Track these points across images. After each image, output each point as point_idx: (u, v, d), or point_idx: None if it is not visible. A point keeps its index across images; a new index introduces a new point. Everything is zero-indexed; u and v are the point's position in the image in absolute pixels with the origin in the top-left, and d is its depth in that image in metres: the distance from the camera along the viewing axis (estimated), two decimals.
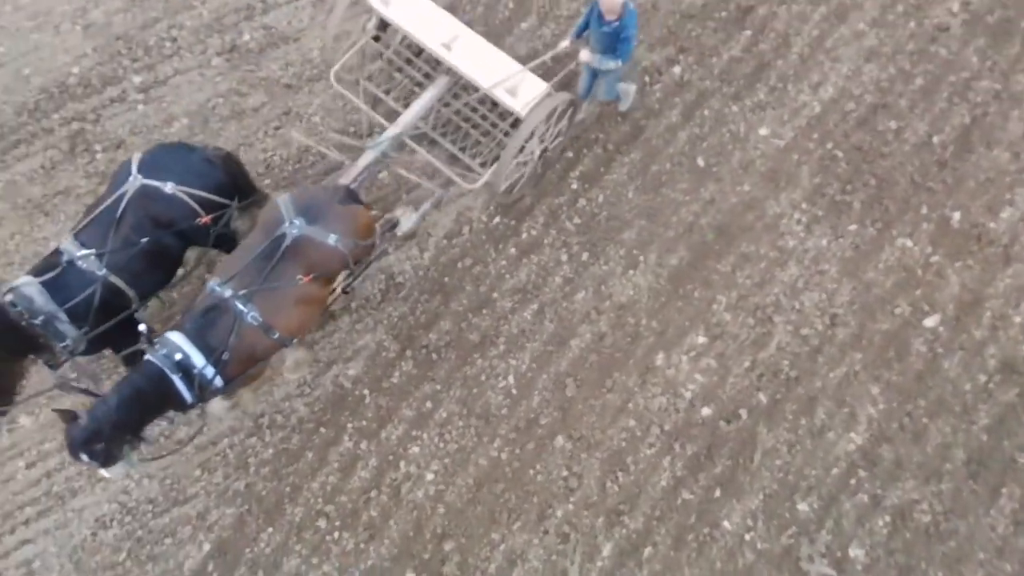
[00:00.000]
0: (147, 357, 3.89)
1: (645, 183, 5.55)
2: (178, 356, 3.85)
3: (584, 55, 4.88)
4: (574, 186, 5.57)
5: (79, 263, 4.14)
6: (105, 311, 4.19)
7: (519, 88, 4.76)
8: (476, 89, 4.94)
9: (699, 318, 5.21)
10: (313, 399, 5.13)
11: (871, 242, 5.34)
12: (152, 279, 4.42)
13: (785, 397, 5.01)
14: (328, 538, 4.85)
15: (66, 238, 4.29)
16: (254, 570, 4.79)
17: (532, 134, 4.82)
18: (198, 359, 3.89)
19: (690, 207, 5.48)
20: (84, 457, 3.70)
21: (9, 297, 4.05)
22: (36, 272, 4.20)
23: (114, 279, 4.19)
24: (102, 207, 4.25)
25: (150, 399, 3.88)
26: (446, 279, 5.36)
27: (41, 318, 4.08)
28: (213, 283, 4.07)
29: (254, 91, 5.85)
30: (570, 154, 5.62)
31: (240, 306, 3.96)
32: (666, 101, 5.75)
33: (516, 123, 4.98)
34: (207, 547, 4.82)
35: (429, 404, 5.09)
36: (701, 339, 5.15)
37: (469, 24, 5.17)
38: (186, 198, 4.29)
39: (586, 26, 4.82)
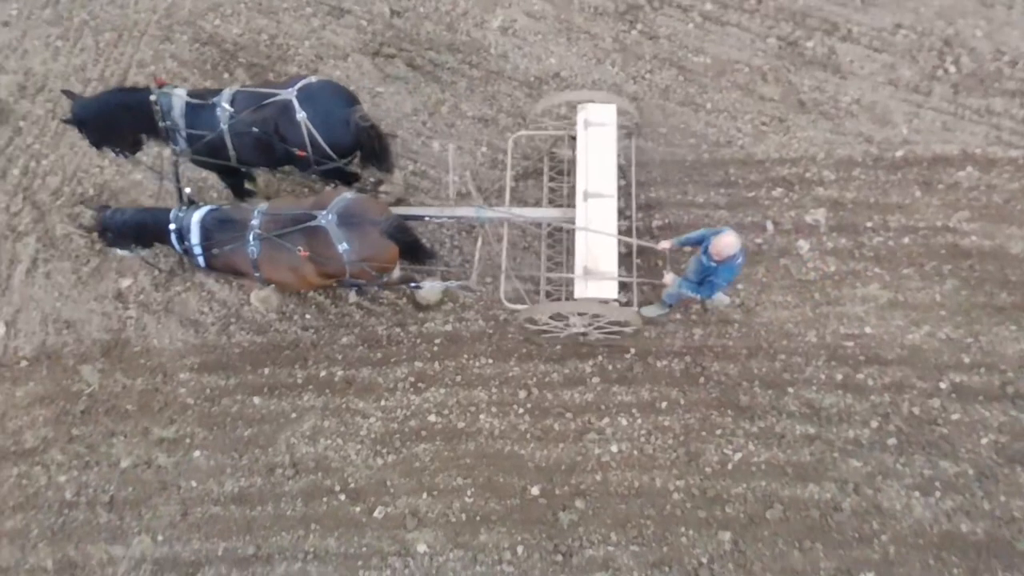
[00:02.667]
0: (173, 210, 5.06)
1: None
2: (183, 225, 4.98)
3: (666, 279, 4.92)
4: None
5: (218, 110, 5.15)
6: (210, 150, 5.27)
7: (600, 271, 4.89)
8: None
9: None
10: None
11: None
12: (250, 157, 5.37)
13: None
14: None
15: (232, 88, 5.34)
16: None
17: (569, 315, 5.08)
18: (195, 238, 4.98)
19: None
20: (101, 235, 5.24)
21: (155, 96, 5.15)
22: (192, 94, 5.24)
23: (227, 137, 5.18)
24: (263, 90, 5.22)
25: (149, 230, 5.15)
26: None
27: (169, 123, 5.19)
28: (260, 208, 5.02)
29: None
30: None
31: (251, 238, 4.88)
32: None
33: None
34: None
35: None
36: None
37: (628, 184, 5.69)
38: (304, 132, 5.07)
39: (696, 243, 4.82)
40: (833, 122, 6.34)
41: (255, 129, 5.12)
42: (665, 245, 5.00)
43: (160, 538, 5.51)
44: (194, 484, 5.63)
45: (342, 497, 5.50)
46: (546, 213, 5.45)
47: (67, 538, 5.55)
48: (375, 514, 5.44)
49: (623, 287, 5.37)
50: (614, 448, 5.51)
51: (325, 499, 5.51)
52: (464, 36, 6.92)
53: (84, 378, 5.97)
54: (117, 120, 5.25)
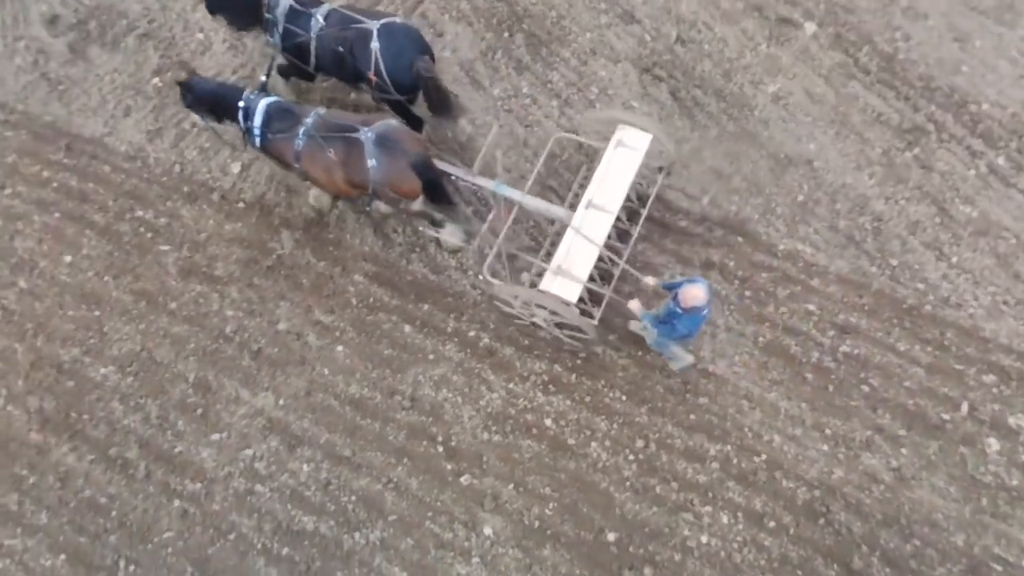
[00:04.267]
0: (246, 91, 5.72)
1: None
2: (251, 106, 5.60)
3: (632, 304, 5.07)
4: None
5: (312, 20, 5.79)
6: (296, 51, 5.96)
7: (571, 273, 5.22)
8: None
9: None
10: None
11: None
12: (327, 66, 5.99)
13: None
14: None
15: (329, 4, 5.89)
16: None
17: (534, 305, 5.37)
18: (257, 120, 5.58)
19: None
20: (183, 95, 5.86)
21: None
22: (298, 1, 5.85)
23: (312, 44, 5.81)
24: (354, 15, 5.74)
25: (221, 103, 5.73)
26: None
27: (271, 17, 5.90)
28: (318, 110, 5.59)
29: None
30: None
31: (301, 133, 5.45)
32: None
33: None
34: None
35: None
36: None
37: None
38: (373, 61, 5.62)
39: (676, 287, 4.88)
40: None
41: (336, 45, 5.71)
42: (649, 282, 5.15)
43: (281, 402, 6.06)
44: (326, 372, 6.13)
45: (440, 449, 5.78)
46: (550, 207, 5.66)
47: (212, 364, 6.25)
48: (461, 479, 5.67)
49: (596, 302, 5.55)
50: (704, 539, 5.37)
51: (425, 443, 5.81)
52: (735, 88, 6.84)
53: (281, 240, 6.63)
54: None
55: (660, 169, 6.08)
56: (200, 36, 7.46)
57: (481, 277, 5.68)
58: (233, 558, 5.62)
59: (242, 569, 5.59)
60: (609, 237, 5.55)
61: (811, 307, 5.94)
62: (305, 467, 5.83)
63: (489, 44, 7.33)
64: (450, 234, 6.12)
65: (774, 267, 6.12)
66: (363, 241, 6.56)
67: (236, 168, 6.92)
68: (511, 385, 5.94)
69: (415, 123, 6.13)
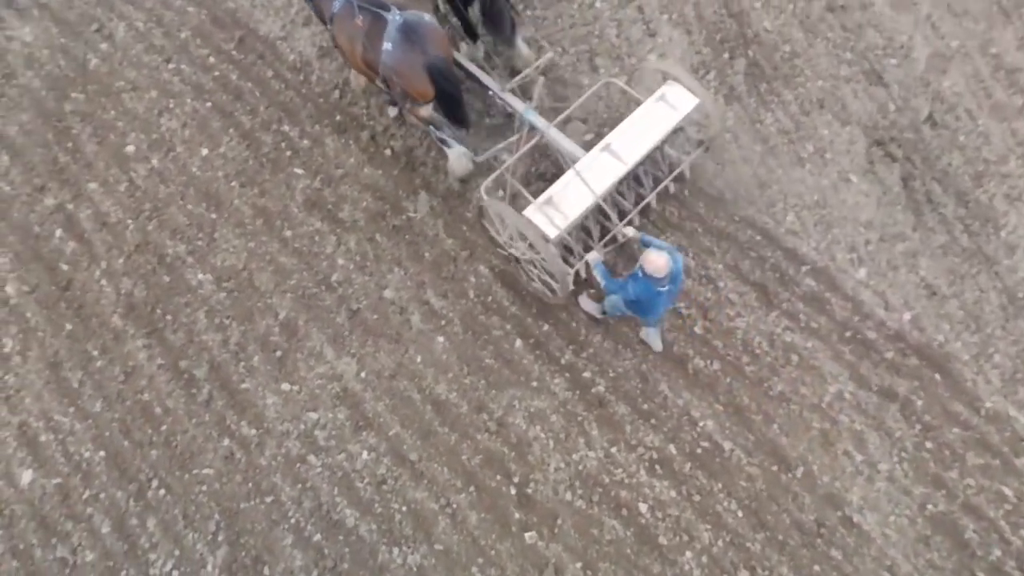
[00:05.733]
0: None
1: None
2: None
3: (628, 231, 4.84)
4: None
5: None
6: None
7: (559, 209, 4.91)
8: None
9: None
10: None
11: None
12: None
13: None
14: None
15: None
16: None
17: (514, 233, 5.04)
18: None
19: None
20: None
21: None
22: None
23: None
24: None
25: None
26: None
27: None
28: None
29: None
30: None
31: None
32: None
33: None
34: None
35: None
36: None
37: None
38: None
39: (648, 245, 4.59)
40: None
41: None
42: (628, 232, 4.84)
43: (362, 375, 5.50)
44: (418, 360, 5.51)
45: (512, 491, 5.04)
46: (567, 142, 5.34)
47: (306, 308, 5.77)
48: (526, 534, 4.91)
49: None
50: None
51: (498, 479, 5.08)
52: (984, 196, 5.61)
53: (417, 202, 6.04)
54: None
55: (700, 143, 5.56)
56: None
57: (481, 195, 5.26)
58: (263, 523, 5.12)
59: (268, 539, 5.07)
60: (622, 195, 5.28)
61: (1007, 491, 4.74)
62: (365, 454, 5.24)
63: (703, 60, 6.41)
64: (456, 158, 5.74)
65: (972, 425, 4.94)
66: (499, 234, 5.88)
67: (394, 112, 6.39)
68: (614, 449, 5.10)
69: (470, 32, 5.81)
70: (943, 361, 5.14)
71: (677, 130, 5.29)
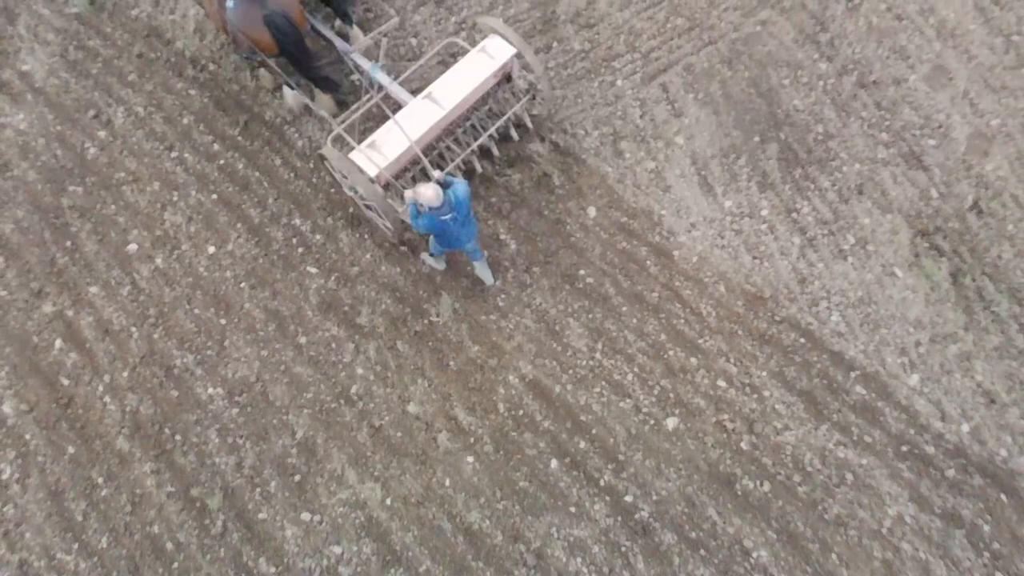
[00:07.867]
0: None
1: None
2: None
3: (436, 174, 5.05)
4: None
5: None
6: None
7: (381, 151, 5.37)
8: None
9: None
10: None
11: None
12: None
13: None
14: None
15: None
16: None
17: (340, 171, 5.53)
18: None
19: None
20: None
21: None
22: None
23: None
24: None
25: None
26: None
27: None
28: None
29: None
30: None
31: None
32: None
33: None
34: None
35: None
36: None
37: None
38: None
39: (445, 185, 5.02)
40: None
41: None
42: (437, 175, 5.06)
43: (388, 502, 5.15)
44: (447, 483, 5.17)
45: None
46: (407, 96, 5.78)
47: (325, 426, 5.42)
48: None
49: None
50: None
51: None
52: None
53: (440, 306, 5.72)
54: None
55: (527, 91, 6.01)
56: None
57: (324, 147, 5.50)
58: None
59: None
60: (458, 143, 5.82)
61: None
62: None
63: (734, 144, 6.14)
64: (321, 103, 6.24)
65: None
66: (529, 338, 5.56)
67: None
68: None
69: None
70: (1008, 479, 4.84)
71: (507, 81, 5.86)
